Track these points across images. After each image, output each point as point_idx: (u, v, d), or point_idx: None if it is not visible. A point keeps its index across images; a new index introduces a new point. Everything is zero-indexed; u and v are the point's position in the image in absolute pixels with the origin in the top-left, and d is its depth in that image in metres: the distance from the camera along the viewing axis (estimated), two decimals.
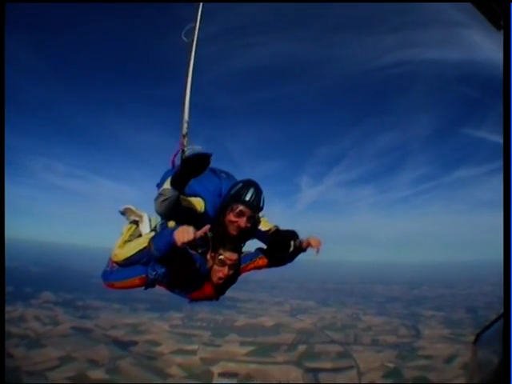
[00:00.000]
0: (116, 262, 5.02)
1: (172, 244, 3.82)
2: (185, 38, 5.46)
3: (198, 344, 64.91)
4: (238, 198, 4.72)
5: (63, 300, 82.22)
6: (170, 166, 5.13)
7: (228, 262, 4.54)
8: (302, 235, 4.89)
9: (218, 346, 65.33)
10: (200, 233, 3.88)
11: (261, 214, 5.12)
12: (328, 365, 57.92)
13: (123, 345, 61.70)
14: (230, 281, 4.84)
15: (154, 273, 4.62)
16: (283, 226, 5.17)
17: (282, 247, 4.83)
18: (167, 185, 4.31)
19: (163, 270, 4.55)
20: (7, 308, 68.85)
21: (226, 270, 4.55)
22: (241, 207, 4.67)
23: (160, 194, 4.39)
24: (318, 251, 4.74)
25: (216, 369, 55.73)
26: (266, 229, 5.13)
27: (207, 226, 3.97)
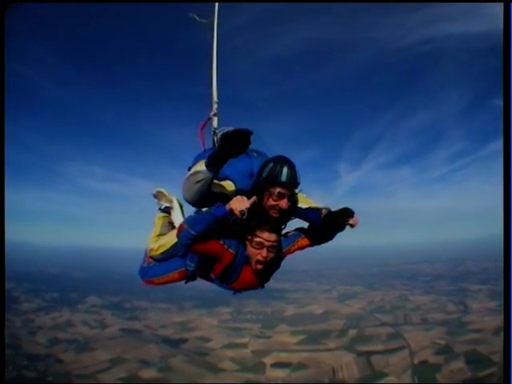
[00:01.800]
0: (152, 258, 4.99)
1: (222, 218, 3.82)
2: (203, 20, 5.90)
3: (248, 337, 65.29)
4: (273, 179, 4.25)
5: (110, 303, 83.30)
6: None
7: (266, 243, 4.16)
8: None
9: (269, 337, 65.62)
10: (252, 201, 3.83)
11: (296, 190, 4.61)
12: (380, 347, 58.18)
13: (173, 343, 62.15)
14: (272, 265, 4.58)
15: (193, 264, 4.60)
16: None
17: (337, 228, 4.46)
18: (201, 166, 4.04)
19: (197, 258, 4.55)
20: (53, 314, 71.36)
21: (264, 252, 4.18)
22: (278, 189, 4.24)
23: (192, 175, 4.12)
24: (353, 226, 4.30)
25: (268, 360, 55.80)
26: (307, 206, 4.71)
27: (254, 197, 3.92)
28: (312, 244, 4.79)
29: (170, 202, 5.26)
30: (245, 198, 3.77)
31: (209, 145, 5.09)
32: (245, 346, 61.34)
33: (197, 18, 5.96)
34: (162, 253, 4.86)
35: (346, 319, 71.97)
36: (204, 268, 4.60)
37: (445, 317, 67.78)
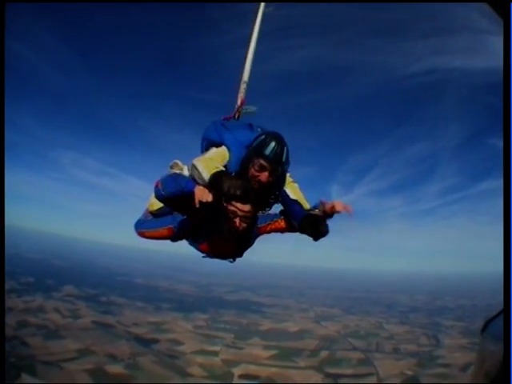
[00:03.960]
0: (151, 212, 5.16)
1: (186, 194, 3.89)
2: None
3: (220, 345, 64.98)
4: (259, 151, 4.42)
5: (86, 295, 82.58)
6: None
7: (239, 213, 4.24)
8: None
9: (241, 348, 65.27)
10: (212, 198, 3.81)
11: (289, 176, 4.89)
12: (349, 371, 57.82)
13: (145, 342, 61.67)
14: (245, 239, 4.71)
15: (176, 222, 4.73)
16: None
17: (310, 235, 4.48)
18: (207, 173, 4.16)
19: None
20: (26, 298, 70.52)
21: (237, 221, 4.25)
22: (261, 161, 4.37)
23: (193, 168, 4.40)
24: (349, 213, 4.27)
25: (237, 370, 55.36)
26: (294, 197, 4.72)
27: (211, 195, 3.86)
28: (288, 229, 4.84)
29: (181, 170, 5.30)
30: (209, 193, 3.81)
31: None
32: (216, 354, 60.96)
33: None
34: (158, 208, 4.99)
35: (320, 340, 71.81)
36: (184, 228, 4.71)
37: (416, 349, 68.03)
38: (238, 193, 3.95)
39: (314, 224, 4.35)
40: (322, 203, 4.36)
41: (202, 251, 4.90)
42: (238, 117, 6.17)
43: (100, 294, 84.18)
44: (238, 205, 4.18)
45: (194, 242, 4.91)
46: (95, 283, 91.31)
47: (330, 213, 4.28)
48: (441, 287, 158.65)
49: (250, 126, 5.20)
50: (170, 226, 4.77)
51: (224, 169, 4.41)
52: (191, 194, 3.83)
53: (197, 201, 3.73)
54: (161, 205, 4.85)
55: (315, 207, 4.50)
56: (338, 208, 4.20)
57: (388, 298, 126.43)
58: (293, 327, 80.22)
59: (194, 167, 4.38)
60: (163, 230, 4.85)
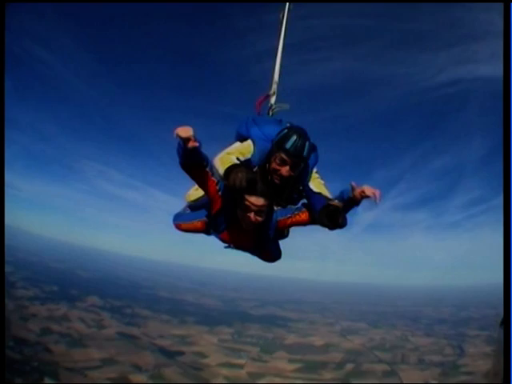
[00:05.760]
0: (188, 205, 5.31)
1: (182, 148, 3.89)
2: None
3: (245, 358, 65.01)
4: (280, 144, 4.44)
5: (111, 306, 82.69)
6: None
7: (253, 207, 4.23)
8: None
9: (266, 361, 65.24)
10: (191, 133, 3.79)
11: (319, 176, 4.90)
12: (374, 382, 58.64)
13: (169, 354, 61.71)
14: (263, 231, 4.71)
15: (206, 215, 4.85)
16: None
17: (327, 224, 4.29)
18: (222, 168, 4.21)
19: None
20: (50, 306, 70.86)
21: (252, 215, 4.26)
22: (282, 155, 4.40)
23: (216, 165, 4.36)
24: (377, 199, 4.13)
25: (262, 383, 55.98)
26: (317, 190, 4.67)
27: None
28: (309, 221, 4.75)
29: None
30: (190, 128, 3.79)
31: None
32: (241, 366, 61.01)
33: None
34: (194, 200, 5.15)
35: (345, 353, 71.38)
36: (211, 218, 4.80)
37: (441, 358, 67.92)
38: (243, 184, 3.93)
39: (332, 214, 4.21)
40: (353, 187, 4.24)
41: (223, 240, 4.92)
42: (272, 115, 6.23)
43: (125, 306, 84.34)
44: (252, 199, 4.19)
45: (215, 231, 4.91)
46: (120, 295, 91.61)
47: (359, 197, 4.22)
48: (466, 299, 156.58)
49: (279, 122, 5.21)
50: (204, 219, 4.88)
51: (238, 162, 4.39)
52: (181, 144, 3.87)
53: (175, 134, 3.73)
54: (197, 196, 5.06)
55: (343, 192, 4.43)
56: (367, 192, 4.13)
57: (413, 311, 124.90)
58: (318, 341, 79.55)
59: (213, 166, 4.36)
60: (197, 223, 4.99)
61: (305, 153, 4.44)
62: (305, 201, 4.90)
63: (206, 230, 4.96)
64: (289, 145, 4.34)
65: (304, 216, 4.73)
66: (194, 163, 4.13)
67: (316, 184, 4.75)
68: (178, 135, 3.70)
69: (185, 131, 3.71)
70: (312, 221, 4.69)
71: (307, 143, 4.45)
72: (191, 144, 3.75)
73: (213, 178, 4.32)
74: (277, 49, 6.54)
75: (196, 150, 3.91)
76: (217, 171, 4.25)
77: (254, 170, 4.54)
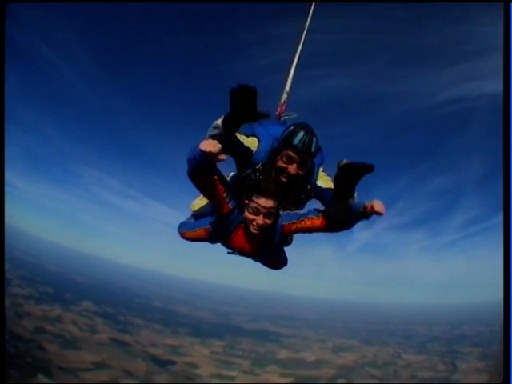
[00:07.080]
0: (193, 214, 5.30)
1: (197, 154, 3.69)
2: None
3: (237, 371, 65.16)
4: (287, 141, 4.36)
5: (104, 312, 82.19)
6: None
7: (262, 209, 4.18)
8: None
9: (257, 374, 65.35)
10: (219, 148, 3.57)
11: (321, 170, 4.87)
12: None
13: (161, 362, 61.85)
14: (269, 236, 4.58)
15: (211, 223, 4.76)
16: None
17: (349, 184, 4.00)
18: (219, 120, 4.05)
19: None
20: (44, 307, 70.67)
21: (260, 219, 4.21)
22: (290, 152, 4.33)
23: (210, 128, 4.17)
24: (381, 215, 3.84)
25: None
26: (326, 186, 4.64)
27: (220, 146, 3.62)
28: (326, 228, 4.38)
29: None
30: (217, 143, 3.58)
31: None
32: (232, 378, 61.31)
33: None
34: (198, 209, 5.16)
35: (337, 369, 71.45)
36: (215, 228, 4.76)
37: (433, 375, 68.32)
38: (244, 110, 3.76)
39: (349, 169, 3.83)
40: (363, 206, 3.94)
41: (228, 245, 4.88)
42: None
43: (118, 313, 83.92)
44: (261, 201, 4.15)
45: (220, 236, 4.86)
46: (114, 302, 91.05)
47: (369, 212, 3.91)
48: (459, 317, 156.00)
49: (284, 123, 5.35)
50: (207, 226, 4.81)
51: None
52: (200, 154, 3.63)
53: (201, 148, 3.52)
54: (201, 205, 5.11)
55: (355, 206, 4.10)
56: (376, 208, 3.81)
57: (406, 329, 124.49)
58: (310, 357, 79.38)
59: (207, 132, 4.20)
60: (200, 231, 4.92)
61: (313, 148, 4.37)
62: (310, 207, 4.64)
63: (210, 238, 4.92)
64: (296, 140, 4.29)
65: (309, 223, 4.44)
66: (204, 172, 4.00)
67: (324, 181, 4.73)
68: (204, 150, 3.52)
69: (213, 145, 3.54)
70: (327, 227, 4.35)
71: (315, 139, 4.39)
72: (220, 158, 3.61)
73: (221, 185, 4.21)
74: (293, 59, 6.46)
75: (215, 162, 3.82)
76: (213, 128, 4.12)
77: (258, 167, 4.57)
